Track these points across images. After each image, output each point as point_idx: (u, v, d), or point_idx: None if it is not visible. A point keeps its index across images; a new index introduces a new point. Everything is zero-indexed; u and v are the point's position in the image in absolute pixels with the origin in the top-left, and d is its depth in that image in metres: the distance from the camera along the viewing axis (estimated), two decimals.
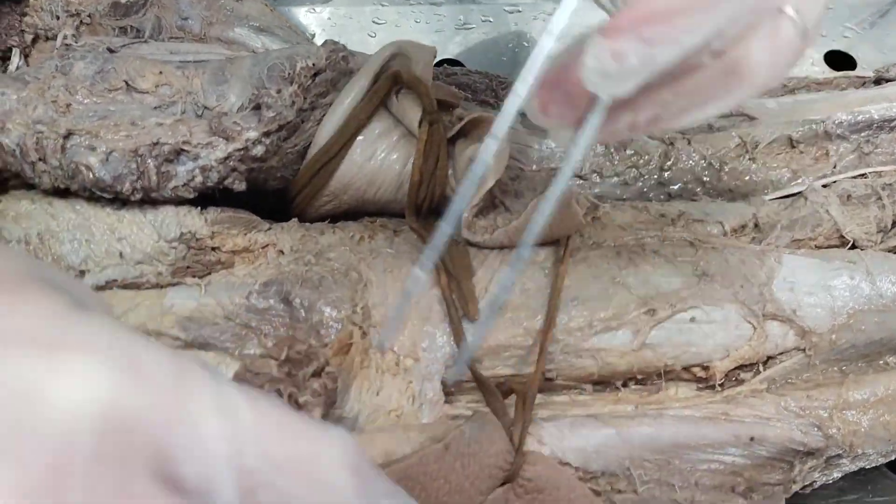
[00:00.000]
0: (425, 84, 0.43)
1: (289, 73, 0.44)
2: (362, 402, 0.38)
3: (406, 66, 0.43)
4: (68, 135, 0.40)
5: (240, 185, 0.43)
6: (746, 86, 0.27)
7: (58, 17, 0.51)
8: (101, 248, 0.40)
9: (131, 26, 0.52)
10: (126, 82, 0.43)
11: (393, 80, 0.43)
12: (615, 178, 0.50)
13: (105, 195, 0.41)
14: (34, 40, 0.52)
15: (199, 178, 0.41)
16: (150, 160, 0.40)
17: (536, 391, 0.38)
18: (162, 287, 0.41)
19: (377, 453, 0.35)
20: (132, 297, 0.40)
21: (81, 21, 0.51)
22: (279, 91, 0.42)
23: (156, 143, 0.40)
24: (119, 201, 0.41)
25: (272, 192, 0.46)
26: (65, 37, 0.50)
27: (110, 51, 0.45)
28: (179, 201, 0.42)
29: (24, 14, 0.52)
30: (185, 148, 0.41)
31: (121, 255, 0.41)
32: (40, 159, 0.40)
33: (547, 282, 0.41)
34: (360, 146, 0.43)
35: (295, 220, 0.45)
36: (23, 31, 0.52)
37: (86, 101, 0.42)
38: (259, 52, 0.48)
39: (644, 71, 0.25)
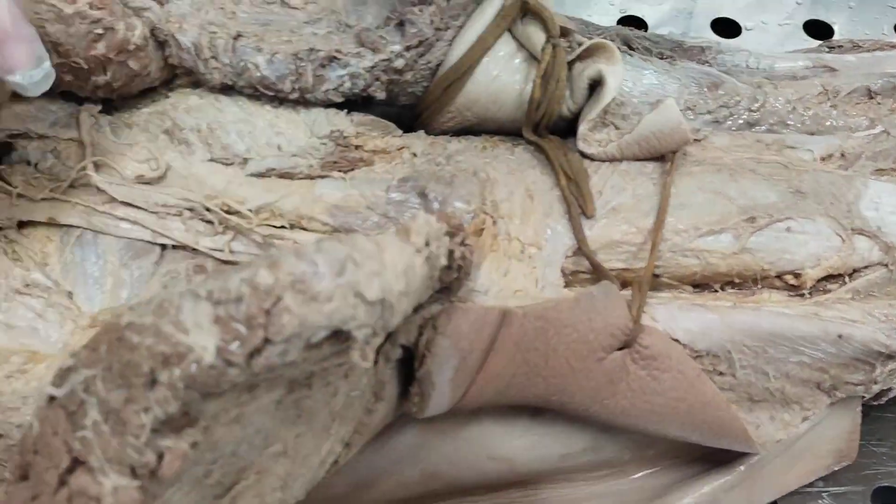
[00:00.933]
0: (549, 11, 0.48)
1: None
2: (492, 280, 0.44)
3: None
4: (238, 36, 0.46)
5: (380, 94, 0.49)
6: None
7: None
8: (261, 139, 0.47)
9: None
10: None
11: (520, 7, 0.49)
12: (707, 115, 0.55)
13: (267, 93, 0.47)
14: None
15: (347, 84, 0.48)
16: (307, 63, 0.46)
17: (651, 275, 0.44)
18: (312, 178, 0.47)
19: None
20: (287, 184, 0.46)
21: None
22: (420, 10, 0.48)
23: (312, 49, 0.47)
24: (276, 100, 0.48)
25: (400, 106, 0.52)
26: None
27: None
28: (328, 104, 0.48)
29: None
30: (337, 56, 0.47)
31: (279, 147, 0.47)
32: (212, 56, 0.46)
33: (655, 189, 0.47)
34: (487, 66, 0.49)
35: (422, 131, 0.51)
36: None
37: (248, 11, 0.48)
38: None
39: None
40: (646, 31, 0.72)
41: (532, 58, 0.49)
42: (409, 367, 0.40)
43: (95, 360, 0.30)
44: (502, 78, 0.49)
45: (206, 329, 0.29)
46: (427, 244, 0.34)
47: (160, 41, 0.46)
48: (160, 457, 0.28)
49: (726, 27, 0.76)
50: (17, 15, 0.35)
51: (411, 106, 0.52)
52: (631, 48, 0.58)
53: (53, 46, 0.42)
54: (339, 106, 0.49)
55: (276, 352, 0.29)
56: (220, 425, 0.30)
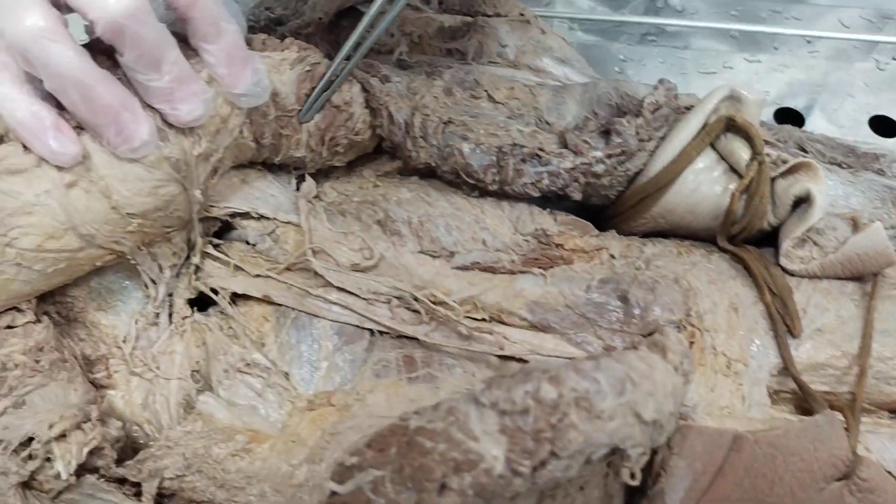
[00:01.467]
0: (755, 128, 0.50)
1: (616, 103, 0.53)
2: (700, 395, 0.45)
3: (737, 110, 0.51)
4: (448, 122, 0.49)
5: (576, 195, 0.51)
6: None
7: (392, 35, 0.61)
8: (467, 234, 0.49)
9: (456, 49, 0.61)
10: (486, 92, 0.52)
11: (725, 123, 0.50)
12: (891, 231, 0.56)
13: (468, 180, 0.49)
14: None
15: (546, 181, 0.50)
16: (510, 157, 0.49)
17: (862, 403, 0.44)
18: (513, 273, 0.49)
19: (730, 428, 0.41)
20: (489, 278, 0.48)
21: (412, 40, 0.61)
22: (628, 122, 0.50)
23: (516, 144, 0.49)
24: (477, 191, 0.50)
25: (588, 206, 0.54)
26: (399, 52, 0.60)
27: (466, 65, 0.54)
28: (526, 199, 0.50)
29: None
30: (539, 154, 0.49)
31: (484, 242, 0.49)
32: (422, 136, 0.49)
33: (857, 312, 0.48)
34: (686, 178, 0.51)
35: (614, 231, 0.52)
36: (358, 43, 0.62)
37: (458, 102, 0.51)
38: (588, 82, 0.56)
39: None
40: (802, 125, 0.73)
41: (732, 170, 0.51)
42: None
43: (385, 462, 0.31)
44: (702, 190, 0.51)
45: (495, 438, 0.30)
46: (682, 363, 0.35)
47: (373, 109, 0.50)
48: None
49: (882, 124, 0.75)
50: (242, 41, 0.42)
51: (602, 206, 0.54)
52: (804, 151, 0.59)
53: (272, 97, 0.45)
54: (535, 201, 0.51)
55: (561, 466, 0.30)
56: None
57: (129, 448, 0.45)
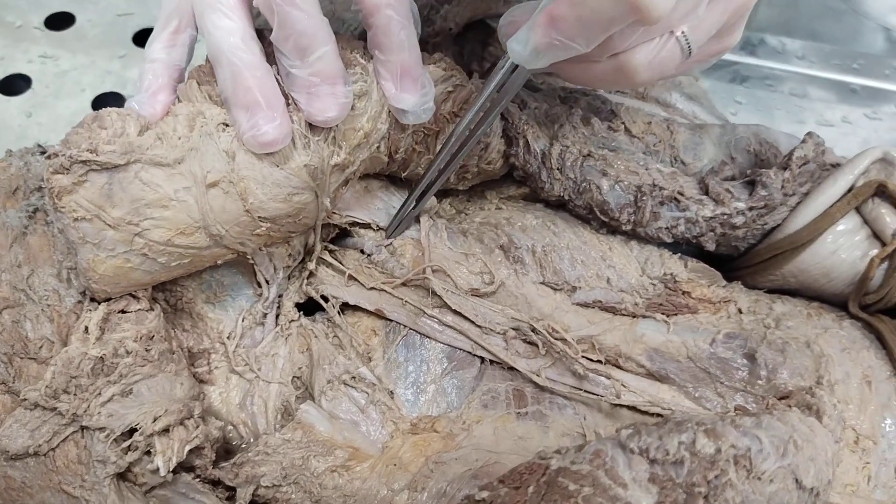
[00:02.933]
0: None
1: (755, 150, 0.53)
2: None
3: (888, 174, 0.50)
4: (588, 155, 0.49)
5: (710, 245, 0.51)
6: (626, 82, 0.42)
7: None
8: (592, 270, 0.49)
9: None
10: (623, 124, 0.52)
11: (876, 188, 0.50)
12: None
13: (601, 217, 0.49)
14: (490, 68, 0.63)
15: (681, 228, 0.50)
16: (648, 199, 0.49)
17: None
18: (635, 317, 0.48)
19: None
20: (609, 318, 0.48)
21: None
22: (776, 174, 0.49)
23: (656, 185, 0.49)
24: (607, 228, 0.50)
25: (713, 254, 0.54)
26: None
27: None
28: (658, 244, 0.50)
29: (487, 44, 0.63)
30: (679, 198, 0.49)
31: (608, 280, 0.49)
32: (559, 168, 0.49)
33: None
34: (825, 240, 0.50)
35: (740, 283, 0.52)
36: (483, 58, 0.63)
37: (596, 133, 0.51)
38: (725, 124, 0.56)
39: (550, 60, 0.39)
40: None
41: (875, 236, 0.50)
42: None
43: (521, 500, 0.31)
44: (840, 254, 0.50)
45: (644, 487, 0.30)
46: (835, 429, 0.34)
47: (510, 137, 0.50)
48: None
49: None
50: (419, 59, 0.43)
51: (728, 256, 0.53)
52: None
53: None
54: (663, 244, 0.51)
55: None
56: None
57: (221, 448, 0.46)
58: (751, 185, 0.50)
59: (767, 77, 0.80)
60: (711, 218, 0.50)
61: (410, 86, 0.43)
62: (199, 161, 0.40)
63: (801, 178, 0.51)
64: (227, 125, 0.41)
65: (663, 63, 0.41)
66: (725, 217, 0.50)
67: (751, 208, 0.50)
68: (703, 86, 0.76)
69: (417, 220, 0.49)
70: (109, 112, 0.41)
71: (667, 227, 0.50)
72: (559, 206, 0.51)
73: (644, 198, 0.49)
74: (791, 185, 0.50)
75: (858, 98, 0.79)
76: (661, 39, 0.41)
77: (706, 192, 0.50)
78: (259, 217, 0.42)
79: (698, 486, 0.30)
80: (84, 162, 0.39)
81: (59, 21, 0.80)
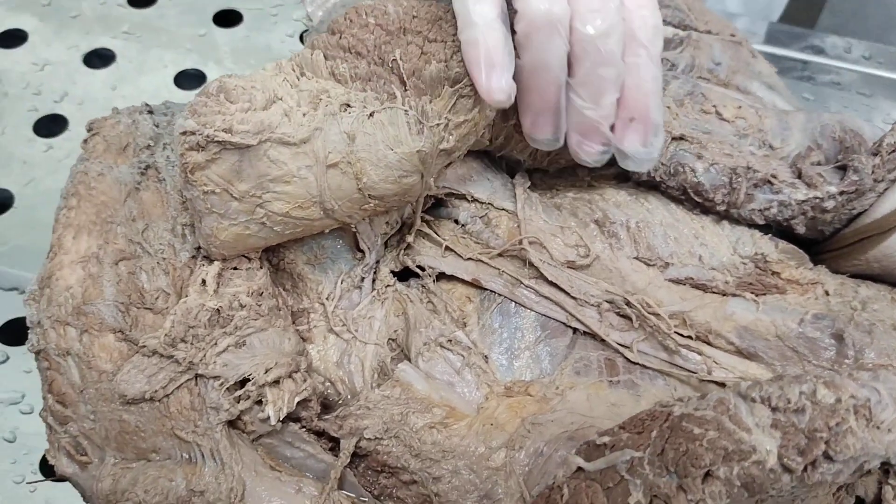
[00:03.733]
0: None
1: (839, 136, 0.55)
2: None
3: None
4: (681, 138, 0.52)
5: (801, 229, 0.53)
6: None
7: None
8: (684, 247, 0.51)
9: (666, 59, 0.64)
10: (715, 108, 0.55)
11: None
12: None
13: (695, 198, 0.52)
14: None
15: (774, 210, 0.52)
16: (743, 181, 0.51)
17: None
18: (725, 295, 0.51)
19: None
20: (700, 296, 0.50)
21: None
22: (867, 159, 0.51)
23: (750, 168, 0.51)
24: (700, 208, 0.52)
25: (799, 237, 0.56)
26: None
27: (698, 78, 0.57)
28: (749, 224, 0.53)
29: None
30: (772, 181, 0.51)
31: (700, 258, 0.51)
32: None
33: None
34: None
35: (825, 267, 0.54)
36: None
37: (689, 115, 0.53)
38: (811, 112, 0.58)
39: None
40: None
41: None
42: None
43: (644, 444, 0.33)
44: None
45: (768, 432, 0.32)
46: None
47: None
48: None
49: None
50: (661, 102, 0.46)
51: (813, 240, 0.55)
52: None
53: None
54: (755, 226, 0.53)
55: (833, 469, 0.32)
56: None
57: (321, 404, 0.48)
58: (842, 170, 0.52)
59: (834, 76, 0.82)
60: (804, 201, 0.52)
61: (635, 133, 0.45)
62: (323, 142, 0.43)
63: (890, 165, 0.52)
64: (349, 105, 0.43)
65: None
66: (818, 201, 0.52)
67: (842, 193, 0.52)
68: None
69: (513, 192, 0.52)
70: (234, 83, 0.43)
71: (760, 209, 0.52)
72: (651, 185, 0.53)
73: (739, 179, 0.51)
74: (880, 171, 0.52)
75: None
76: None
77: (799, 176, 0.52)
78: (369, 195, 0.44)
79: (820, 431, 0.32)
80: (219, 142, 0.41)
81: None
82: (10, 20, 0.80)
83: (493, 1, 0.42)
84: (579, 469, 0.35)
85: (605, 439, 0.35)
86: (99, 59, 0.78)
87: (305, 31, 0.82)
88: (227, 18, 0.83)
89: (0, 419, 0.56)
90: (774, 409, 0.33)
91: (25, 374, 0.57)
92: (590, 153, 0.46)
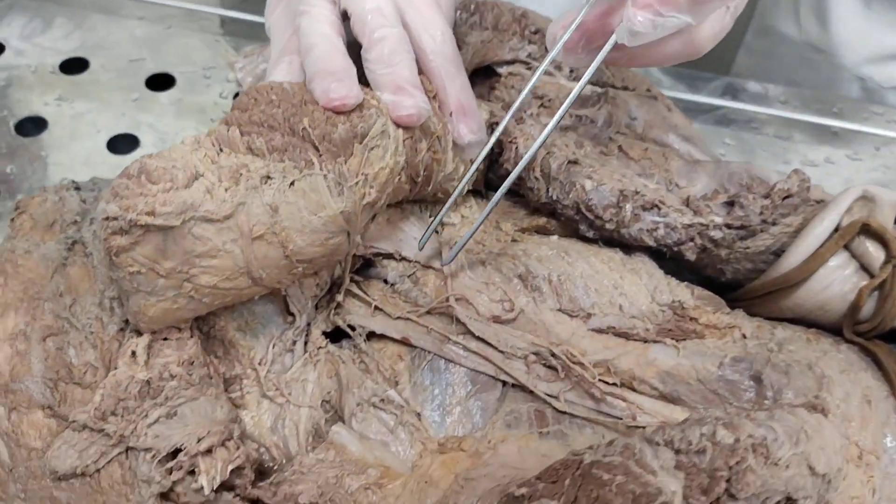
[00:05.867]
0: (891, 233, 0.56)
1: (746, 183, 0.60)
2: None
3: (870, 210, 0.57)
4: (575, 162, 0.56)
5: (691, 255, 0.56)
6: (693, 55, 0.50)
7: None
8: (605, 298, 0.55)
9: (586, 116, 0.68)
10: (619, 146, 0.59)
11: (861, 227, 0.56)
12: None
13: (588, 216, 0.55)
14: None
15: (661, 231, 0.56)
16: (629, 202, 0.55)
17: None
18: (647, 342, 0.54)
19: None
20: (623, 343, 0.54)
21: (542, 104, 0.69)
22: (753, 198, 0.56)
23: (638, 192, 0.55)
24: (598, 232, 0.56)
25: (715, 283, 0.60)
26: (530, 114, 0.67)
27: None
28: (641, 248, 0.57)
29: (493, 88, 0.70)
30: (659, 205, 0.55)
31: (620, 307, 0.55)
32: (542, 171, 0.56)
33: None
34: (818, 276, 0.56)
35: (742, 311, 0.58)
36: (489, 100, 0.70)
37: (588, 154, 0.58)
38: (720, 160, 0.63)
39: (654, 36, 0.46)
40: None
41: (863, 269, 0.57)
42: None
43: (558, 493, 0.36)
44: (833, 288, 0.56)
45: (672, 473, 0.35)
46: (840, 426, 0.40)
47: (502, 144, 0.57)
48: None
49: None
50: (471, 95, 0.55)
51: (728, 286, 0.60)
52: None
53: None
54: (668, 269, 0.57)
55: None
56: None
57: (255, 470, 0.50)
58: (731, 205, 0.56)
59: (752, 120, 0.88)
60: (690, 226, 0.55)
61: (469, 123, 0.54)
62: (247, 216, 0.45)
63: (784, 210, 0.56)
64: (269, 177, 0.46)
65: (721, 33, 0.50)
66: (703, 227, 0.56)
67: (728, 225, 0.55)
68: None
69: (440, 253, 0.55)
70: (154, 164, 0.45)
71: (648, 230, 0.56)
72: (570, 237, 0.57)
73: (626, 200, 0.55)
74: (771, 214, 0.56)
75: (840, 140, 0.86)
76: (721, 11, 0.49)
77: (687, 205, 0.57)
78: (297, 260, 0.47)
79: (720, 470, 0.35)
80: (143, 225, 0.44)
81: (74, 66, 0.86)
82: None
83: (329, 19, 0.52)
84: None
85: (523, 490, 0.38)
86: (31, 126, 0.80)
87: (237, 93, 0.85)
88: (161, 82, 0.86)
89: None
90: (678, 452, 0.36)
91: None
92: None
